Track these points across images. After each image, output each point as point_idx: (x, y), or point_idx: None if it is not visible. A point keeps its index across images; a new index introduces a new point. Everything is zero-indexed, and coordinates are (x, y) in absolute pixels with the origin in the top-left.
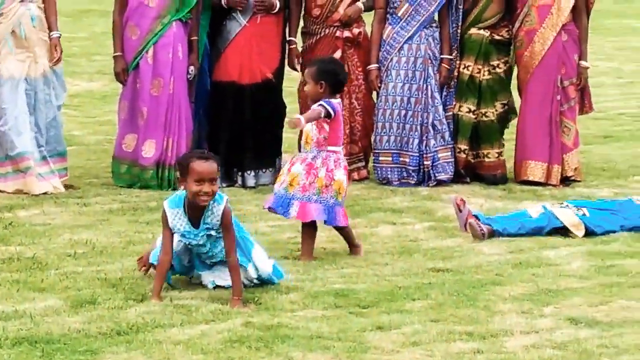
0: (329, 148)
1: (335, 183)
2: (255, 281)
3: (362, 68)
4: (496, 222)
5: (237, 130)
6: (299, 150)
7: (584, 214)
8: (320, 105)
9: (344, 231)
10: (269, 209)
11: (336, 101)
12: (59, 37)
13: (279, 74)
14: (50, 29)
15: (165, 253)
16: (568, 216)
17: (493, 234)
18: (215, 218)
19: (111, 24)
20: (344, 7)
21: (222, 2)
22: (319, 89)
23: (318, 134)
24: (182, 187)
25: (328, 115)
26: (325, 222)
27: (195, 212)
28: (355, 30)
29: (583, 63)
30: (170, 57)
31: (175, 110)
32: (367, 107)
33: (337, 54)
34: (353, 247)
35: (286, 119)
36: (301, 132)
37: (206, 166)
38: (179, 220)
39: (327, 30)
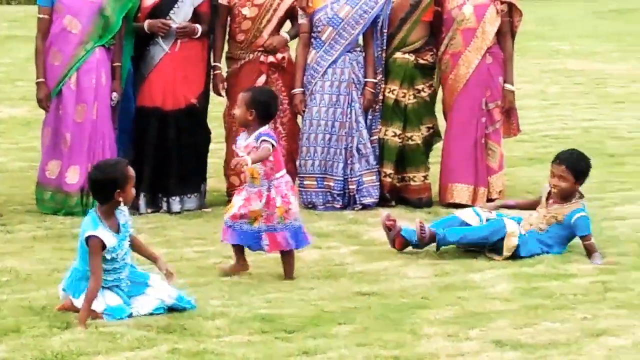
0: (277, 175)
1: (292, 206)
2: (171, 299)
3: (286, 92)
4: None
5: (162, 156)
6: (225, 175)
7: (522, 234)
8: (265, 141)
9: (288, 257)
10: (237, 245)
11: (268, 128)
12: None
13: (204, 99)
14: None
15: (98, 281)
16: (512, 235)
17: (434, 236)
18: (125, 215)
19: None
20: (268, 32)
21: (145, 28)
22: (248, 116)
23: (264, 166)
24: (121, 199)
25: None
26: (295, 247)
27: (111, 221)
28: (280, 55)
29: (508, 86)
30: (94, 83)
31: (98, 137)
32: (292, 131)
33: (262, 79)
34: (287, 277)
35: (233, 160)
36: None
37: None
38: (108, 237)
39: (251, 55)
